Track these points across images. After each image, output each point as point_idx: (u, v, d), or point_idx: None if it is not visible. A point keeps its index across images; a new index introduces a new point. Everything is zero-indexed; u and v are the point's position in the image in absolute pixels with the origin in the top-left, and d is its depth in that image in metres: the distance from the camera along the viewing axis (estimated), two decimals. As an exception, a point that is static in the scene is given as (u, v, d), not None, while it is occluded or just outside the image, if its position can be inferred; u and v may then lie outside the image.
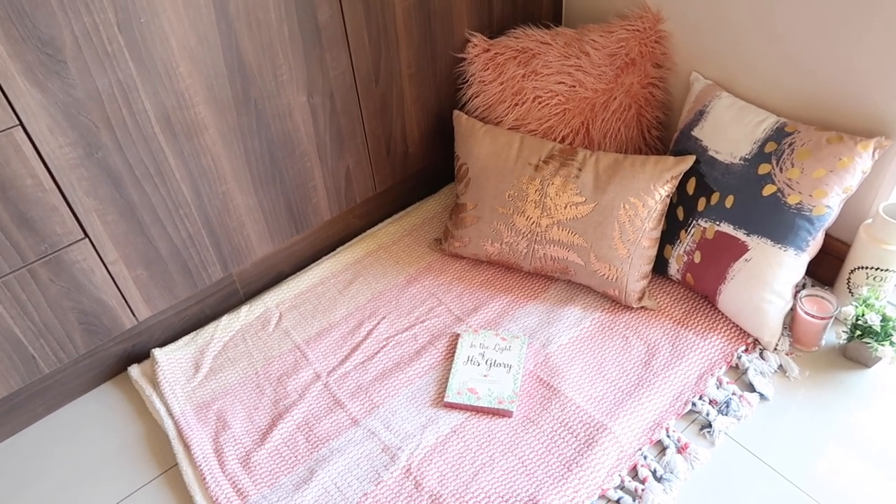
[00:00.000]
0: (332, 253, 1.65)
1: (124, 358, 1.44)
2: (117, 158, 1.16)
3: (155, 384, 1.38)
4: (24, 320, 1.19)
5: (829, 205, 1.22)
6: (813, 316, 1.29)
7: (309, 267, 1.62)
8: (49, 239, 1.15)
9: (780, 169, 1.25)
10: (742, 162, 1.31)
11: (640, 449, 1.19)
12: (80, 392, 1.40)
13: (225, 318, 1.49)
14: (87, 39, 1.03)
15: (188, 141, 1.23)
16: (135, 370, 1.42)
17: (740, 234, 1.29)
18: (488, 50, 1.56)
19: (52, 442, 1.33)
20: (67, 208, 1.14)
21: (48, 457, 1.30)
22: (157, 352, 1.42)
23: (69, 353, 1.28)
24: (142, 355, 1.46)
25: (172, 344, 1.45)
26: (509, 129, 1.55)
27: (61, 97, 1.05)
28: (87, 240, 1.19)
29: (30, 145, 1.05)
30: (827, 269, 1.43)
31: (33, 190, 1.09)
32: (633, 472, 1.17)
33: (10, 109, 1.01)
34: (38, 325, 1.21)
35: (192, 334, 1.47)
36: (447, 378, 1.33)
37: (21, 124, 1.03)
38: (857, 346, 1.28)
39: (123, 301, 1.30)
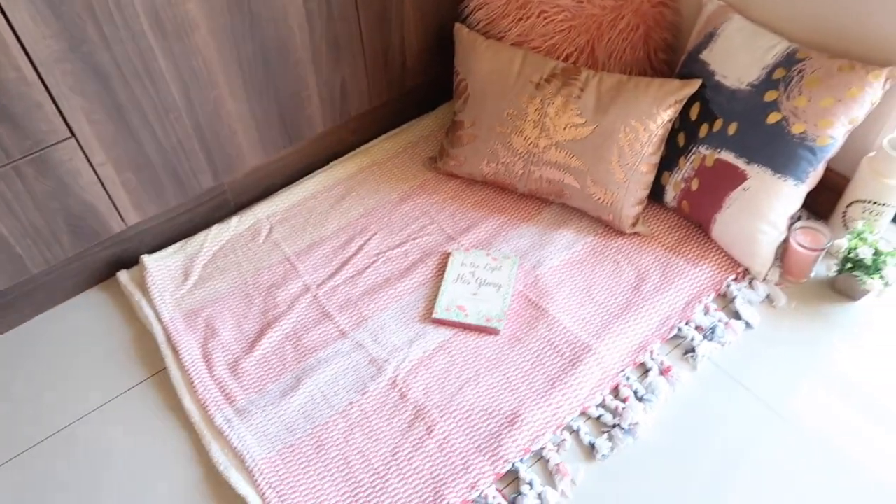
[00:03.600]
0: (325, 167, 1.63)
1: (113, 263, 1.43)
2: (104, 55, 1.11)
3: (144, 290, 1.38)
4: (11, 218, 1.17)
5: (834, 135, 1.20)
6: (805, 247, 1.28)
7: (301, 180, 1.59)
8: (34, 136, 1.12)
9: (787, 96, 1.22)
10: (749, 88, 1.27)
11: (623, 370, 1.21)
12: (68, 295, 1.40)
13: (215, 228, 1.48)
14: (69, -78, 0.98)
15: (178, 40, 1.18)
16: (124, 275, 1.41)
17: (740, 163, 1.27)
18: (494, -40, 1.49)
19: (41, 342, 1.34)
20: (52, 104, 1.11)
21: (37, 356, 1.31)
22: (146, 258, 1.41)
23: (56, 254, 1.27)
24: (131, 261, 1.46)
25: (162, 251, 1.44)
26: (512, 45, 1.50)
27: (43, -16, 1.00)
28: (73, 139, 1.17)
29: (11, 34, 1.01)
30: (824, 202, 1.41)
31: (16, 84, 1.05)
32: (615, 392, 1.19)
33: (-12, -6, 0.97)
34: (24, 224, 1.19)
35: (182, 242, 1.46)
36: (436, 295, 1.33)
37: (2, 10, 0.99)
38: (846, 279, 1.29)
39: (112, 205, 1.29)
